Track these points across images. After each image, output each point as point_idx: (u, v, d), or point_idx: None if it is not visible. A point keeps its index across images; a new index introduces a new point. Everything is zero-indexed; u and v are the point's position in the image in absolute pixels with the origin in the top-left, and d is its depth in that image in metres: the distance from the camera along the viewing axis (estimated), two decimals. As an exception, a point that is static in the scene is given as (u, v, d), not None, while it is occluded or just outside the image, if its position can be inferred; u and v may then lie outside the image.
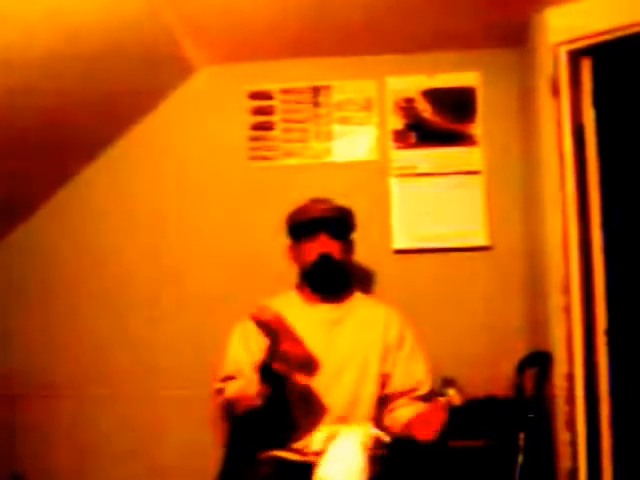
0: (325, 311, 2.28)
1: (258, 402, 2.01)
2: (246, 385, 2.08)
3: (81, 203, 2.93)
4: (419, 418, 2.01)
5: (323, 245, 2.24)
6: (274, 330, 1.92)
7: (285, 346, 1.91)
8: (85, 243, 2.92)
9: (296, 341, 1.94)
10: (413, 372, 2.23)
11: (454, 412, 2.40)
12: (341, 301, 2.31)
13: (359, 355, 2.21)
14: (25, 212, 2.90)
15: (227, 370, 2.23)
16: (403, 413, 2.14)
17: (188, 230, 2.89)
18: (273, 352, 1.93)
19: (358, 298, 2.38)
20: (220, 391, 2.20)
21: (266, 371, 1.96)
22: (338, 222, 2.29)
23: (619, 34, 2.26)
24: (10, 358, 2.87)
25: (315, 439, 1.99)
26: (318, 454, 1.93)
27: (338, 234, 2.28)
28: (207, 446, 2.39)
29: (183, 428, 2.77)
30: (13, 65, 2.10)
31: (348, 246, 2.34)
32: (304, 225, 2.29)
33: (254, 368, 2.02)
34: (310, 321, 2.24)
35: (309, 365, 1.96)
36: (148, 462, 2.78)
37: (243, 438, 2.18)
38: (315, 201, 2.34)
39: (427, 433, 1.94)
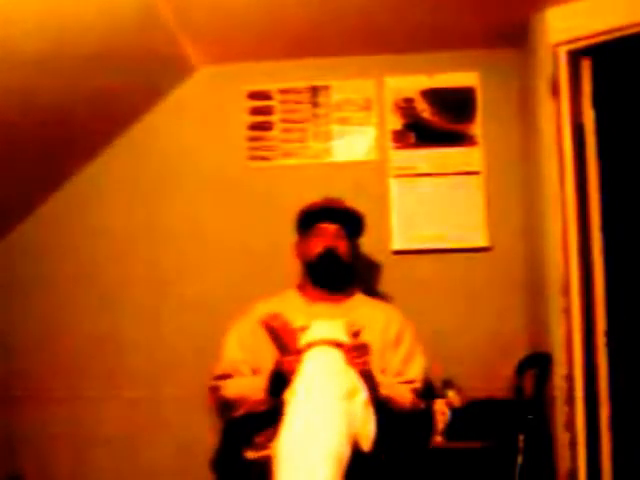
0: (325, 310, 2.27)
1: (263, 408, 2.05)
2: (250, 389, 2.11)
3: (81, 203, 2.92)
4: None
5: (330, 239, 2.27)
6: (281, 338, 1.99)
7: (285, 360, 1.98)
8: (84, 243, 2.91)
9: (297, 356, 1.97)
10: (408, 371, 2.21)
11: (454, 413, 2.41)
12: (342, 301, 2.32)
13: None
14: (25, 212, 2.90)
15: (223, 368, 2.25)
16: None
17: (187, 230, 2.88)
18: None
19: (359, 299, 2.38)
20: (216, 389, 2.22)
21: (277, 383, 2.00)
22: (348, 218, 2.32)
23: (618, 34, 2.26)
24: (9, 359, 2.87)
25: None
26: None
27: (346, 229, 2.31)
28: (207, 446, 2.38)
29: (183, 428, 2.77)
30: (11, 64, 2.09)
31: (353, 247, 2.36)
32: (315, 214, 2.31)
33: (266, 379, 2.05)
34: (310, 320, 2.24)
35: None
36: (147, 462, 2.78)
37: (237, 437, 2.19)
38: (329, 199, 2.38)
39: None
